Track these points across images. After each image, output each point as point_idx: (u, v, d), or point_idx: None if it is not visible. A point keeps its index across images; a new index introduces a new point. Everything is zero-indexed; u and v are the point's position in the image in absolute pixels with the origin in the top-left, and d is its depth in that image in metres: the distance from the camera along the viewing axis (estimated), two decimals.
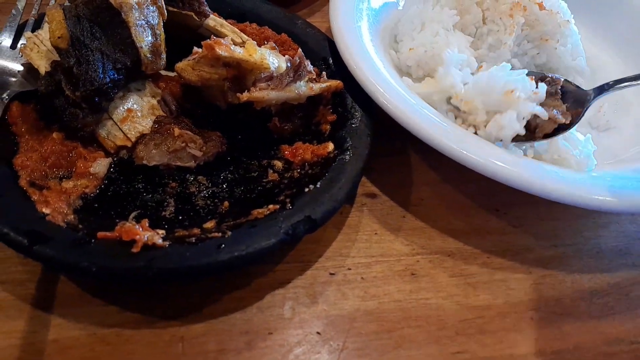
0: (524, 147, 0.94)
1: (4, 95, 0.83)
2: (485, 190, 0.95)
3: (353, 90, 0.93)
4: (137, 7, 0.82)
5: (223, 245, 0.70)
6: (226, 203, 0.81)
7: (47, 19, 0.83)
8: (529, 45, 1.11)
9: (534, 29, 1.09)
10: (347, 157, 0.84)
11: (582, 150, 0.93)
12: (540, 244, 0.91)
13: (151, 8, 0.84)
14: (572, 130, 0.93)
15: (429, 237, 0.88)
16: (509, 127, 0.87)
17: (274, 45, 0.93)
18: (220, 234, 0.72)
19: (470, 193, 0.96)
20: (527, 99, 0.89)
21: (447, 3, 1.06)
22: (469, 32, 1.08)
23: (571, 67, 1.11)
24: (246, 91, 0.84)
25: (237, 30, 0.96)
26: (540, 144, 0.95)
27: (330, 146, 0.86)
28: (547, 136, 0.91)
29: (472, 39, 1.06)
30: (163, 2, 0.86)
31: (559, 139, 0.93)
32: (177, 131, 0.83)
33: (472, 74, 1.03)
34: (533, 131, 0.91)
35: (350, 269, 0.82)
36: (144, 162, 0.83)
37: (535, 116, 0.90)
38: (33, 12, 0.95)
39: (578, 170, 0.91)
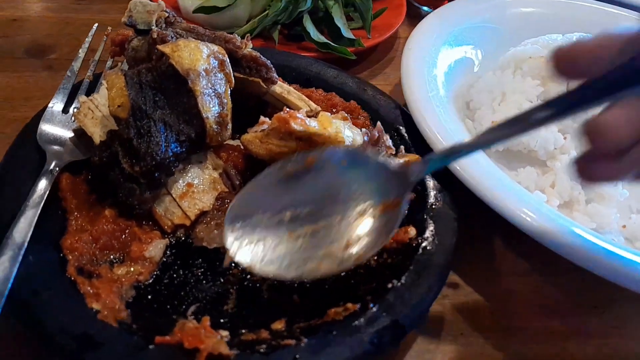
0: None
1: (53, 166, 0.76)
2: (578, 284, 0.83)
3: None
4: (204, 74, 0.75)
5: (298, 356, 0.60)
6: (295, 297, 0.70)
7: (106, 84, 0.76)
8: None
9: None
10: (433, 246, 0.73)
11: None
12: None
13: (219, 75, 0.77)
14: None
15: (523, 341, 0.76)
16: None
17: (345, 114, 0.84)
18: (293, 341, 0.61)
19: (562, 286, 0.84)
20: None
21: (530, 71, 0.97)
22: None
23: None
24: None
25: (304, 97, 0.88)
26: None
27: (412, 231, 0.76)
28: None
29: None
30: (231, 69, 0.79)
31: None
32: None
33: (556, 148, 0.95)
34: None
35: None
36: (204, 243, 0.74)
37: None
38: (88, 73, 0.89)
39: None
